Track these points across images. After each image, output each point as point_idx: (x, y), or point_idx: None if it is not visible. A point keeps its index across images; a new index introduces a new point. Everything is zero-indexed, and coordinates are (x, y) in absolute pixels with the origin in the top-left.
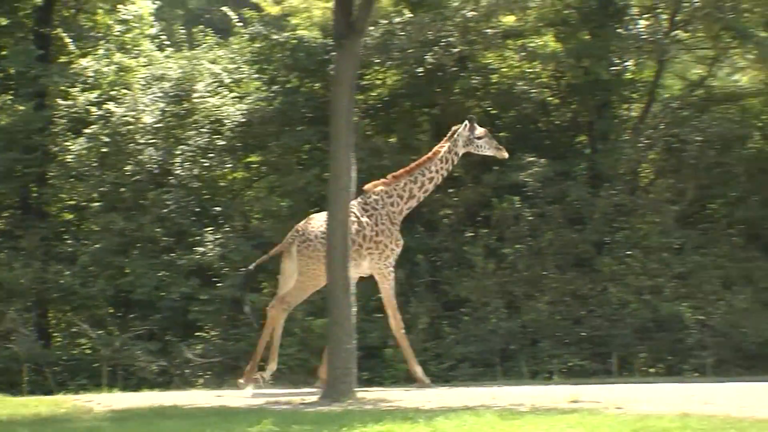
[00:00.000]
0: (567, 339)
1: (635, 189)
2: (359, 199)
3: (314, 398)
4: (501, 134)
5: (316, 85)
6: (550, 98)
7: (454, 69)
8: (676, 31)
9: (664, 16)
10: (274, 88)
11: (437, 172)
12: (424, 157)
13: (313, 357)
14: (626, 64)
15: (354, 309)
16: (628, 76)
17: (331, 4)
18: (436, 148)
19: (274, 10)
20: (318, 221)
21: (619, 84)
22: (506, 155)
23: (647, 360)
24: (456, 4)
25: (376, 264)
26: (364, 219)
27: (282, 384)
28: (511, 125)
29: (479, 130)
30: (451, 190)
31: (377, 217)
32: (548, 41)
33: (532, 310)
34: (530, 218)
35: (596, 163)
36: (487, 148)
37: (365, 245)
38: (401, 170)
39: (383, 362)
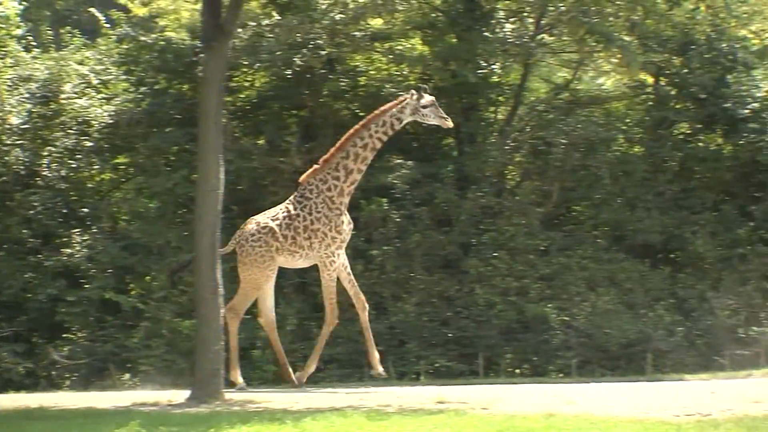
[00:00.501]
0: (434, 340)
1: (502, 191)
2: (295, 194)
3: (182, 399)
4: None
5: (185, 86)
6: None
7: (323, 71)
8: (542, 35)
9: (530, 20)
10: (142, 89)
11: (371, 137)
12: (357, 125)
13: (181, 358)
14: (493, 67)
15: (222, 311)
16: (495, 79)
17: (199, 6)
18: (376, 112)
19: (141, 11)
20: (251, 224)
21: (486, 87)
22: (451, 125)
23: (513, 361)
24: (324, 6)
25: (317, 253)
26: (296, 211)
27: (149, 385)
28: None
29: (426, 99)
30: None
31: (311, 206)
32: (416, 44)
33: (399, 312)
34: (398, 220)
35: (463, 166)
36: (432, 117)
37: (301, 236)
38: (332, 149)
39: (251, 364)
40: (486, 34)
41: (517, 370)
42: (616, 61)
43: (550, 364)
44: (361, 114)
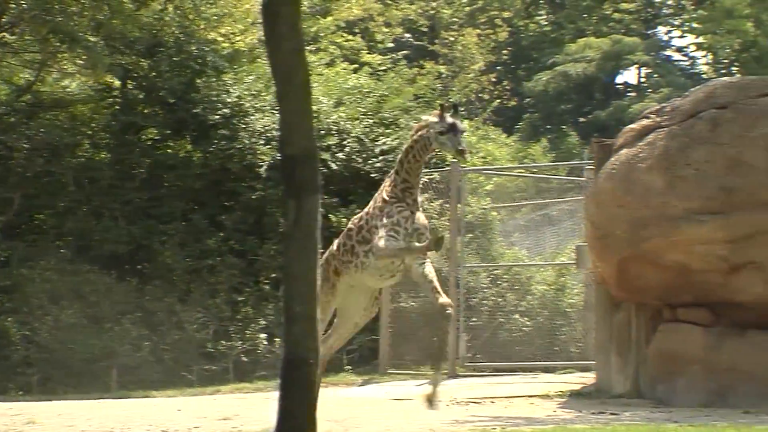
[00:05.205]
0: None
1: None
2: None
3: None
4: None
5: None
6: None
7: None
8: (3, 34)
9: None
10: None
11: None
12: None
13: None
14: None
15: None
16: None
17: None
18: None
19: None
20: None
21: None
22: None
23: None
24: None
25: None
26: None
27: None
28: None
29: (446, 122)
30: None
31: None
32: None
33: None
34: None
35: None
36: (449, 146)
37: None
38: None
39: None
40: None
41: None
42: (81, 62)
43: (10, 382)
44: None
